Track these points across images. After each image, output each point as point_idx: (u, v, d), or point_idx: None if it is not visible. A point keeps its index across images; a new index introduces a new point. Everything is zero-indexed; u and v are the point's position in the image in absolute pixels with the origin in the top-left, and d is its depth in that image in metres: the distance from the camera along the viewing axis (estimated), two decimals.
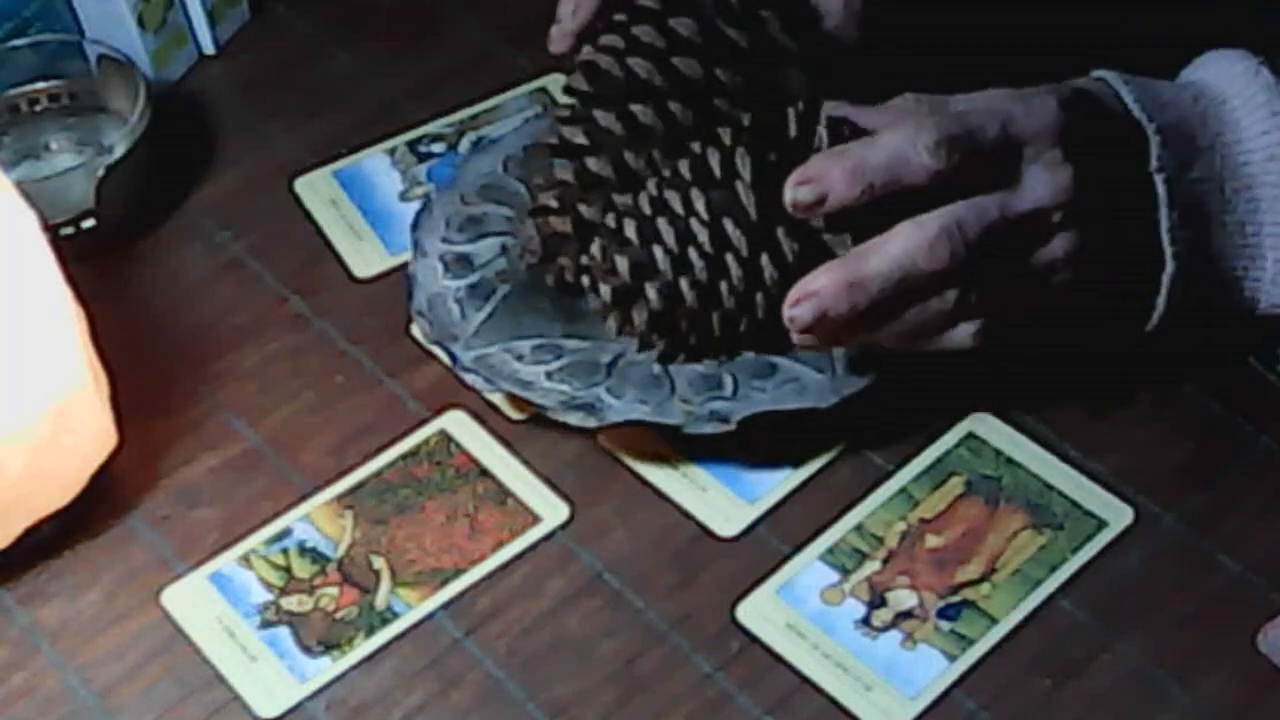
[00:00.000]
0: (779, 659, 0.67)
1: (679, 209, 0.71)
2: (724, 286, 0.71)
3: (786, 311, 0.66)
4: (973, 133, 0.64)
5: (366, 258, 0.82)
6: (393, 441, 0.74)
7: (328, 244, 0.83)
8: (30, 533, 0.70)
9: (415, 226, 0.80)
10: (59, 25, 0.89)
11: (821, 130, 0.71)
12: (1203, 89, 0.69)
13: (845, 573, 0.69)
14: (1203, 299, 0.69)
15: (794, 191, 0.65)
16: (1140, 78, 0.69)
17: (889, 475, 0.72)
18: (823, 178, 0.65)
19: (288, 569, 0.70)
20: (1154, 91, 0.68)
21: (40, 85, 0.87)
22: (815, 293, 0.65)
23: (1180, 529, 0.70)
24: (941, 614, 0.68)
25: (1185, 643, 0.66)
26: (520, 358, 0.74)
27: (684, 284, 0.71)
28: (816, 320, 0.65)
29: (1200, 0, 0.78)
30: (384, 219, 0.84)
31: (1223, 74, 0.69)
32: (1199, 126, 0.68)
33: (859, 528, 0.71)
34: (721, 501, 0.72)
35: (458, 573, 0.70)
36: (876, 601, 0.68)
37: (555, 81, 0.89)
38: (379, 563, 0.70)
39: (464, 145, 0.87)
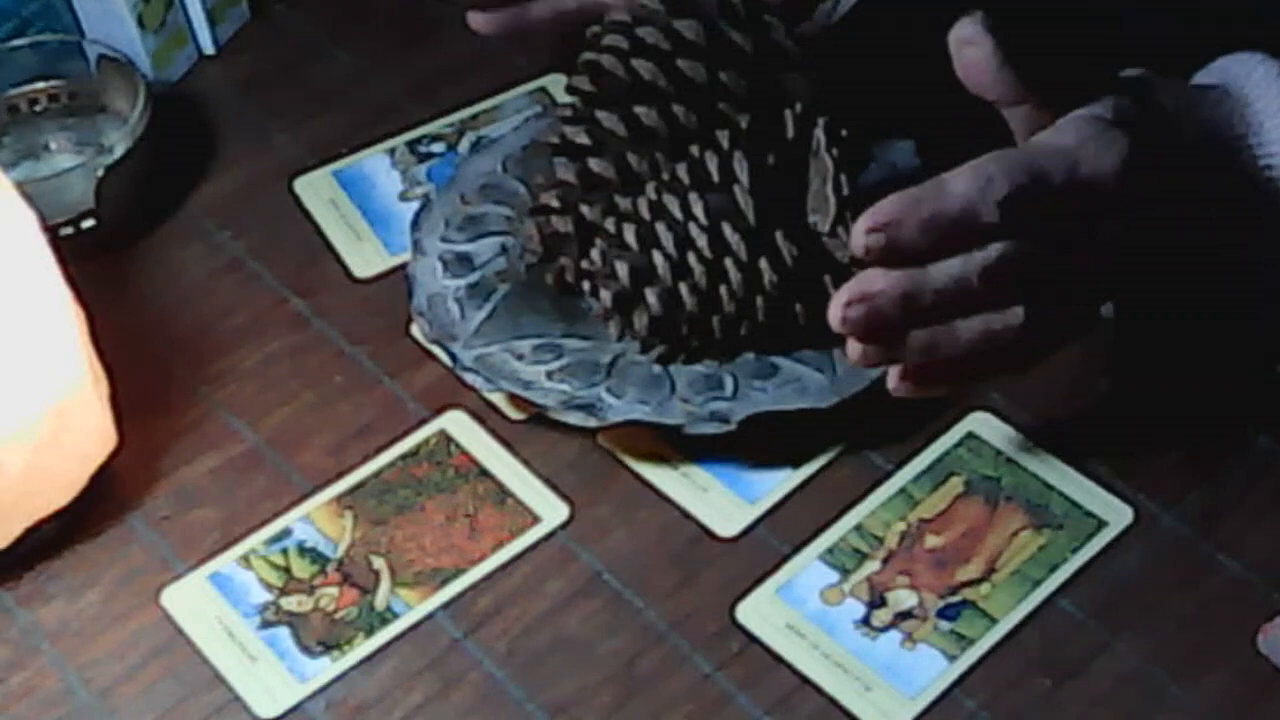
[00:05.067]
0: (779, 659, 0.67)
1: (678, 214, 0.72)
2: (724, 290, 0.71)
3: (837, 311, 0.62)
4: (1040, 180, 0.63)
5: (366, 258, 0.82)
6: (393, 441, 0.74)
7: (328, 244, 0.83)
8: (30, 533, 0.70)
9: (415, 226, 0.80)
10: (59, 25, 0.89)
11: (819, 133, 0.71)
12: (1227, 91, 0.69)
13: (845, 573, 0.69)
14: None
15: (866, 238, 0.62)
16: (1171, 79, 0.69)
17: (889, 475, 0.72)
18: (898, 227, 0.62)
19: (287, 569, 0.70)
20: (1185, 92, 0.68)
21: (40, 85, 0.87)
22: (871, 295, 0.62)
23: (1180, 529, 0.70)
24: (941, 614, 0.68)
25: (1185, 643, 0.66)
26: (520, 357, 0.74)
27: (684, 289, 0.71)
28: (868, 323, 0.63)
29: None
30: (384, 219, 0.84)
31: (1244, 77, 0.69)
32: (1227, 128, 0.68)
33: (859, 528, 0.71)
34: (721, 501, 0.72)
35: (458, 573, 0.70)
36: (876, 601, 0.68)
37: (555, 81, 0.89)
38: (379, 563, 0.70)
39: (464, 145, 0.87)
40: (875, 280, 0.62)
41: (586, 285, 0.75)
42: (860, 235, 0.62)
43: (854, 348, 0.63)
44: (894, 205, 0.62)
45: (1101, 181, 0.64)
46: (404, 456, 0.74)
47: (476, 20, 0.84)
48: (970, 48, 0.64)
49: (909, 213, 0.62)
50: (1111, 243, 0.65)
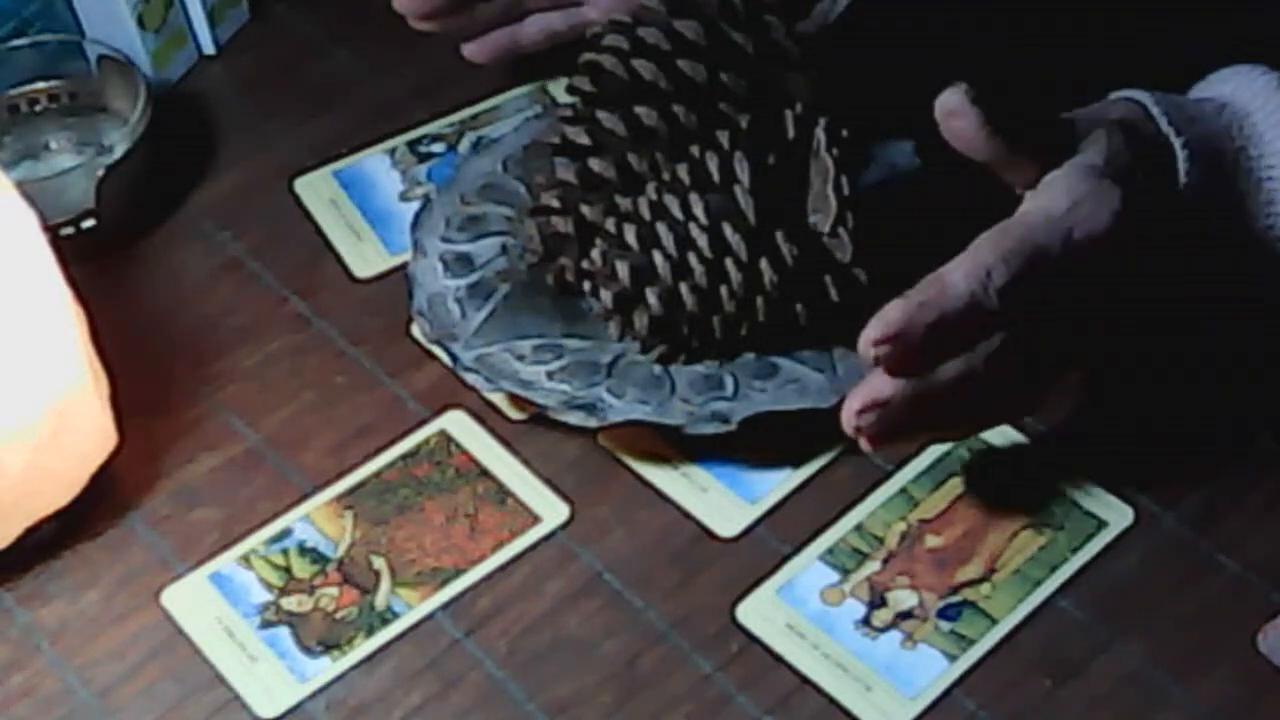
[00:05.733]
0: (779, 659, 0.67)
1: (678, 214, 0.72)
2: (724, 291, 0.71)
3: (851, 419, 0.63)
4: (1037, 258, 0.63)
5: (366, 258, 0.82)
6: (393, 441, 0.74)
7: (328, 244, 0.83)
8: (30, 533, 0.70)
9: (415, 226, 0.80)
10: (59, 25, 0.89)
11: (819, 133, 0.71)
12: (1226, 103, 0.69)
13: (845, 573, 0.69)
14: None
15: (874, 350, 0.62)
16: (1167, 94, 0.69)
17: (889, 475, 0.72)
18: (905, 336, 0.62)
19: (288, 569, 0.70)
20: (1180, 107, 0.68)
21: (40, 85, 0.87)
22: (884, 401, 0.63)
23: (1180, 529, 0.70)
24: (941, 614, 0.68)
25: (1185, 643, 0.66)
26: (521, 357, 0.74)
27: (684, 289, 0.71)
28: (882, 428, 0.64)
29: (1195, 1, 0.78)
30: (384, 219, 0.84)
31: (1244, 88, 0.69)
32: (1225, 141, 0.68)
33: (859, 528, 0.71)
34: (721, 501, 0.72)
35: (458, 573, 0.70)
36: (876, 601, 0.68)
37: (555, 82, 0.89)
38: (379, 563, 0.70)
39: (464, 145, 0.87)
40: (885, 387, 0.63)
41: (587, 285, 0.75)
42: (868, 347, 0.62)
43: (864, 443, 0.64)
44: (898, 313, 0.62)
45: (1096, 240, 0.64)
46: (404, 456, 0.74)
47: (470, 50, 0.85)
48: (956, 119, 0.65)
49: (915, 319, 0.62)
50: (1108, 292, 0.66)
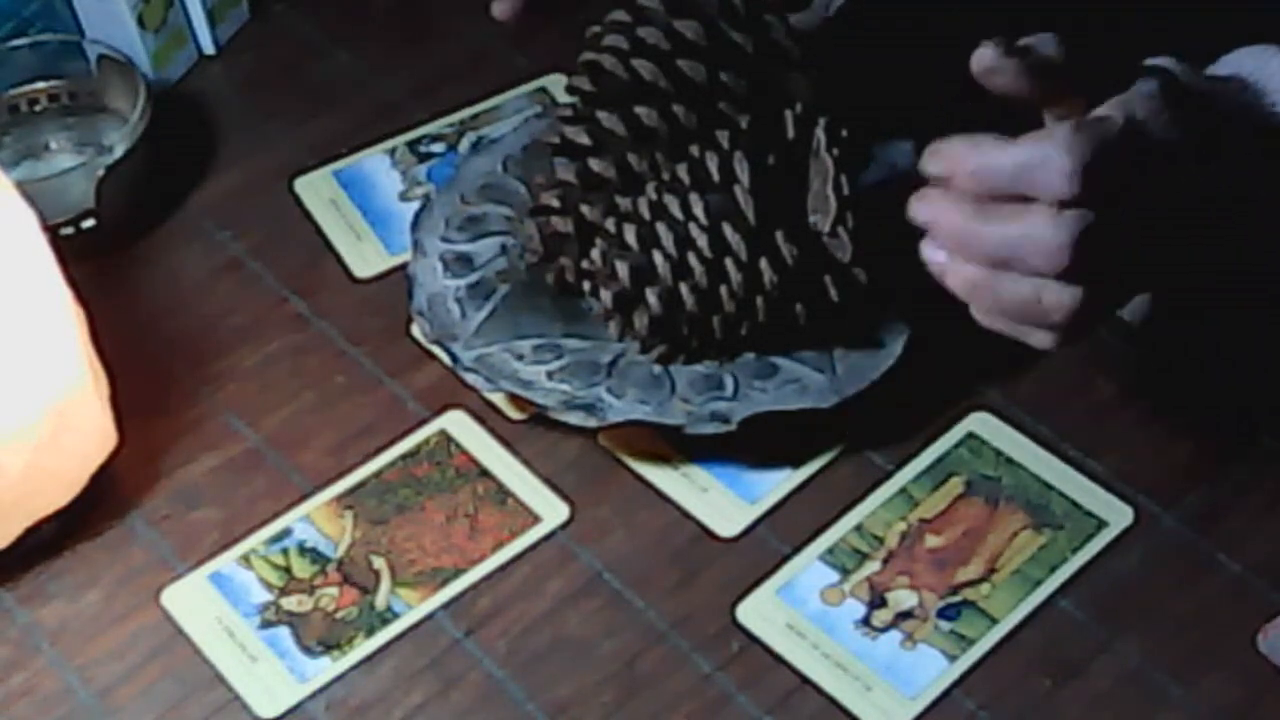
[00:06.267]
0: (779, 659, 0.67)
1: (678, 214, 0.72)
2: (724, 290, 0.71)
3: (915, 208, 0.63)
4: (1110, 151, 0.62)
5: (366, 258, 0.82)
6: (393, 441, 0.74)
7: (328, 244, 0.83)
8: (30, 533, 0.70)
9: (415, 226, 0.80)
10: (59, 25, 0.89)
11: (819, 133, 0.71)
12: (1245, 82, 0.69)
13: (845, 573, 0.69)
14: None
15: (926, 162, 0.62)
16: (1193, 67, 0.69)
17: (889, 475, 0.72)
18: (954, 161, 0.62)
19: (288, 569, 0.70)
20: (1206, 81, 0.68)
21: (40, 85, 0.87)
22: (934, 225, 0.62)
23: (1180, 529, 0.70)
24: (941, 614, 0.68)
25: (1185, 643, 0.66)
26: (521, 357, 0.74)
27: (684, 289, 0.71)
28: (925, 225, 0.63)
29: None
30: (384, 219, 0.84)
31: (1260, 69, 0.69)
32: (1245, 119, 0.68)
33: (859, 528, 0.71)
34: (721, 501, 0.72)
35: (458, 573, 0.70)
36: (876, 601, 0.68)
37: (555, 81, 0.89)
38: (379, 563, 0.70)
39: (464, 145, 0.87)
40: (941, 201, 0.62)
41: (587, 285, 0.75)
42: (924, 158, 0.62)
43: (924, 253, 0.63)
44: (963, 142, 0.61)
45: (1171, 147, 0.63)
46: (404, 456, 0.74)
47: (501, 8, 0.82)
48: (995, 75, 0.64)
49: (970, 153, 0.61)
50: (1183, 218, 0.64)
